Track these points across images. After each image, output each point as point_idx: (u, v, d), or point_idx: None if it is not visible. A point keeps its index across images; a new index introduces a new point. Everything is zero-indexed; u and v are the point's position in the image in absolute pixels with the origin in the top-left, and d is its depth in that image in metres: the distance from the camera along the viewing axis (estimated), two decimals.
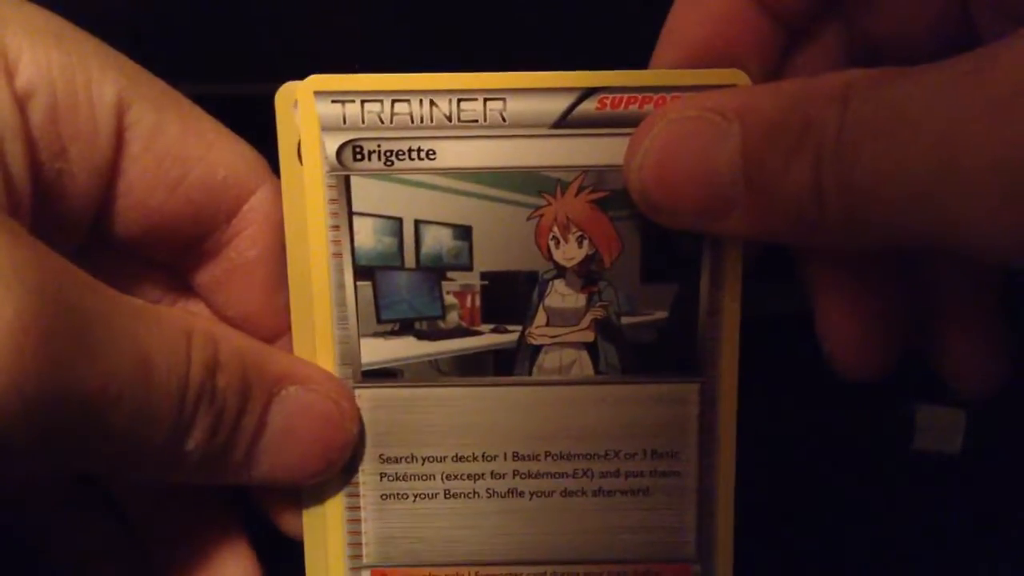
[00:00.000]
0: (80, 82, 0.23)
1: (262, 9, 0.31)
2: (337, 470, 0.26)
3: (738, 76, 0.24)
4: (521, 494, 0.27)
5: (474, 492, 0.27)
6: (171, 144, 0.25)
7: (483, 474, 0.27)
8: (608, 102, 0.24)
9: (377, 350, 0.26)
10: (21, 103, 0.23)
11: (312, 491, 0.27)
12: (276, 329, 0.27)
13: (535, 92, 0.24)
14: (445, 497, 0.27)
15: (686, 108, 0.23)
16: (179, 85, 0.25)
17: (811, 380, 0.30)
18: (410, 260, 0.26)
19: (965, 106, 0.18)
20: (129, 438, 0.22)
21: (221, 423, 0.24)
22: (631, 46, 0.25)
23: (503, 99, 0.24)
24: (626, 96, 0.24)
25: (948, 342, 0.25)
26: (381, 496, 0.27)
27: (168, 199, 0.25)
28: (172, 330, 0.23)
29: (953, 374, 0.25)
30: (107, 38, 0.24)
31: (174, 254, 0.26)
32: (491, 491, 0.27)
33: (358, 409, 0.26)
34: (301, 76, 0.24)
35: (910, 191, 0.19)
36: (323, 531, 0.27)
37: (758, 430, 0.26)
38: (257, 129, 0.25)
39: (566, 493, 0.27)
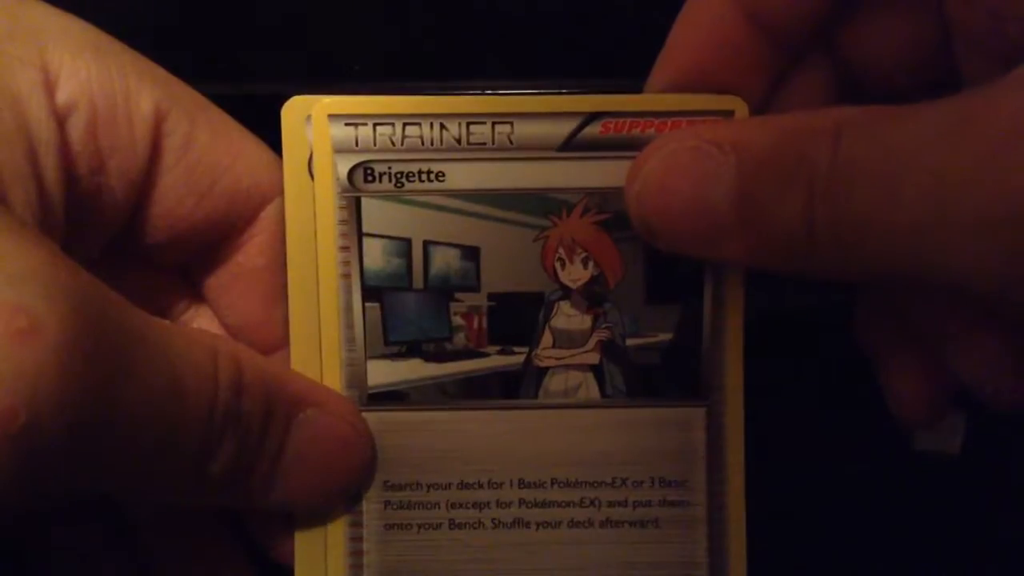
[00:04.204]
0: (119, 95, 0.24)
1: (258, 9, 0.32)
2: (349, 493, 0.26)
3: (735, 103, 0.25)
4: (527, 525, 0.26)
5: (479, 522, 0.26)
6: (202, 153, 0.25)
7: (489, 503, 0.26)
8: (612, 126, 0.25)
9: (384, 373, 0.26)
10: (61, 119, 0.23)
11: (311, 519, 0.26)
12: (275, 341, 0.27)
13: (541, 116, 0.25)
14: (450, 527, 0.26)
15: (684, 139, 0.23)
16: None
17: (810, 380, 0.30)
18: (418, 281, 0.26)
19: (957, 153, 0.19)
20: (159, 459, 0.22)
21: (245, 445, 0.24)
22: (634, 70, 0.26)
23: (511, 122, 0.25)
24: (629, 120, 0.25)
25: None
26: (385, 526, 0.26)
27: (196, 207, 0.26)
28: (200, 350, 0.23)
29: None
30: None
31: (188, 259, 0.27)
32: (497, 521, 0.26)
33: (371, 432, 0.26)
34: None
35: (902, 233, 0.20)
36: (323, 563, 0.26)
37: (755, 431, 0.26)
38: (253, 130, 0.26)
39: (573, 524, 0.26)
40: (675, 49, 0.25)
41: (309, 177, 0.26)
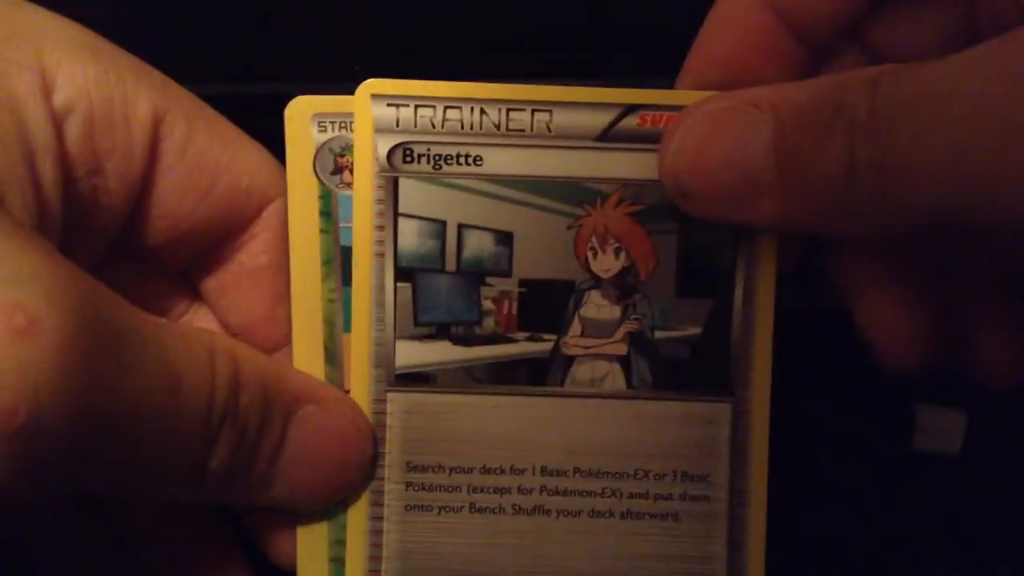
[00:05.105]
0: (116, 98, 0.24)
1: (256, 10, 0.33)
2: (351, 492, 0.26)
3: None
4: (547, 512, 0.26)
5: (500, 507, 0.26)
6: (201, 154, 0.26)
7: (510, 488, 0.26)
8: (649, 119, 0.26)
9: (412, 353, 0.26)
10: (58, 120, 0.23)
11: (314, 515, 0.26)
12: (277, 340, 0.27)
13: (581, 106, 0.26)
14: (470, 511, 0.26)
15: (721, 100, 0.24)
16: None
17: (810, 380, 0.30)
18: (451, 263, 0.26)
19: (992, 77, 0.19)
20: (157, 457, 0.22)
21: (243, 442, 0.24)
22: (662, 72, 0.26)
23: (550, 111, 0.26)
24: (666, 114, 0.26)
25: (978, 332, 0.26)
26: (405, 507, 0.26)
27: (196, 208, 0.26)
28: (197, 347, 0.23)
29: (982, 365, 0.26)
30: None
31: (188, 260, 0.27)
32: (517, 507, 0.26)
33: (373, 429, 0.26)
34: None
35: (945, 161, 0.20)
36: (324, 556, 0.26)
37: None
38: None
39: (593, 513, 0.26)
40: (704, 47, 0.26)
41: (313, 175, 0.26)
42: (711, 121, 0.23)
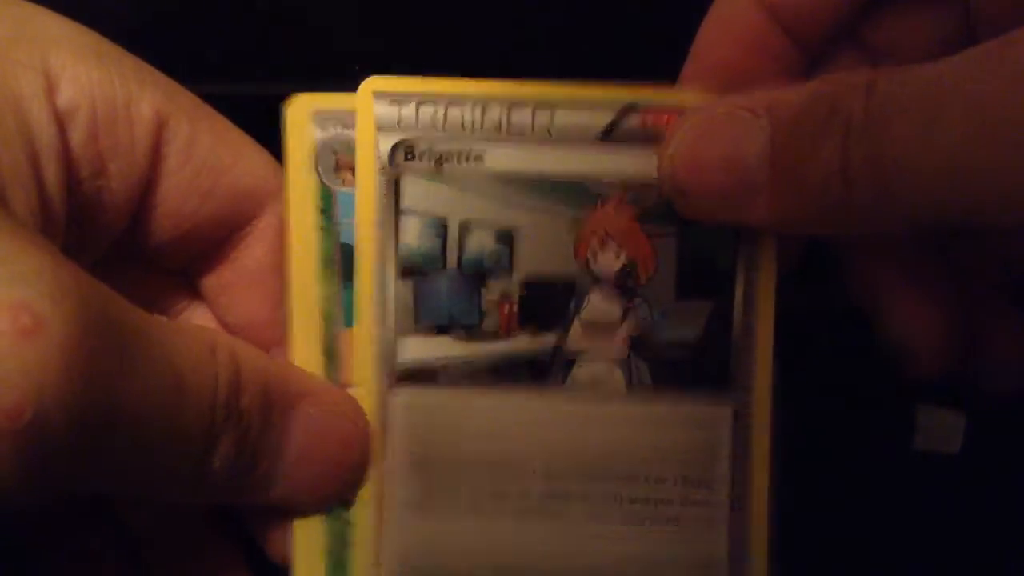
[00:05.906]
0: (120, 99, 0.24)
1: (257, 9, 0.33)
2: (351, 491, 0.26)
3: None
4: (547, 515, 0.26)
5: (500, 509, 0.26)
6: (205, 155, 0.26)
7: (510, 491, 0.26)
8: (652, 118, 0.26)
9: (414, 352, 0.26)
10: (62, 122, 0.23)
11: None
12: (278, 339, 0.27)
13: (582, 105, 0.26)
14: (470, 512, 0.26)
15: (718, 105, 0.24)
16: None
17: (810, 380, 0.30)
18: (452, 261, 0.26)
19: (991, 78, 0.19)
20: (161, 456, 0.22)
21: (245, 440, 0.23)
22: (664, 71, 0.26)
23: (552, 109, 0.26)
24: (667, 114, 0.26)
25: (985, 337, 0.26)
26: (405, 506, 0.26)
27: (199, 208, 0.26)
28: (198, 346, 0.23)
29: (987, 369, 0.26)
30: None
31: (189, 259, 0.27)
32: (517, 509, 0.26)
33: (373, 428, 0.26)
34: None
35: (941, 161, 0.20)
36: (321, 554, 0.26)
37: None
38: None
39: (593, 517, 0.26)
40: (702, 51, 0.26)
41: (313, 173, 0.26)
42: (708, 123, 0.24)
